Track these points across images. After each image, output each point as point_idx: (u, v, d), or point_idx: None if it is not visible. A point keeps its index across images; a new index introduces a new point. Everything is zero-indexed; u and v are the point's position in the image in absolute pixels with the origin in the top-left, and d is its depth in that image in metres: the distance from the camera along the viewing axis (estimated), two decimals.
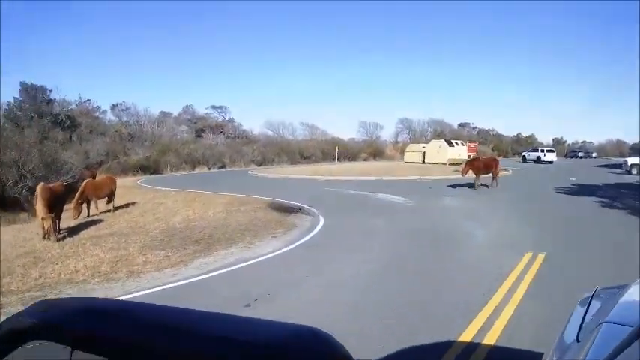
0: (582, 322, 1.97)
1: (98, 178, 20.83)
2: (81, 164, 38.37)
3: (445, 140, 48.37)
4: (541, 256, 9.08)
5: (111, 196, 19.18)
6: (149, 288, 7.97)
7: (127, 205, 20.02)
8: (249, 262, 9.52)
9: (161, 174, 44.29)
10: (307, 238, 11.83)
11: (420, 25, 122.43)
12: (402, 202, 18.29)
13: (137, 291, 7.82)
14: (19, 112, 45.33)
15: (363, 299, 6.86)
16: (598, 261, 8.86)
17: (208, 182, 29.54)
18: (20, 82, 47.24)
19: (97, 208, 18.30)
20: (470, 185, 22.03)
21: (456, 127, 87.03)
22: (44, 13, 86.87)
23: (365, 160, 61.90)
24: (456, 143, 43.98)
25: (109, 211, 18.80)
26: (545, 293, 6.83)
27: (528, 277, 7.74)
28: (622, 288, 2.23)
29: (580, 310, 2.19)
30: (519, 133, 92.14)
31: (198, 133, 67.60)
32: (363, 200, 19.12)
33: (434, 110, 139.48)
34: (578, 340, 1.79)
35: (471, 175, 22.31)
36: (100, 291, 7.93)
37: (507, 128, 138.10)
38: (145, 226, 14.41)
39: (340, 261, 9.34)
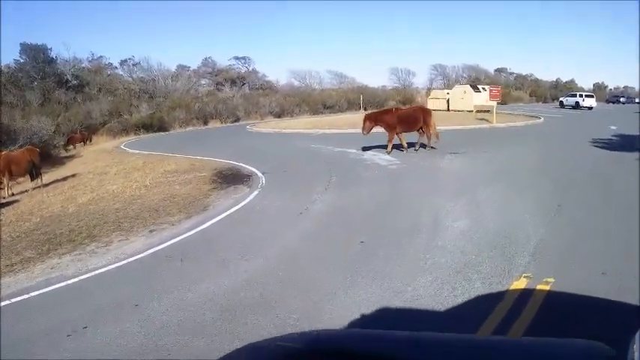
0: None
1: (16, 151, 17.36)
2: (79, 125, 35.83)
3: (470, 85, 42.55)
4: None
5: (34, 171, 15.85)
6: None
7: (65, 179, 16.93)
8: (46, 290, 5.97)
9: (167, 131, 41.25)
10: (198, 230, 8.22)
11: None
12: (385, 163, 14.16)
13: None
14: (20, 74, 42.50)
15: None
16: None
17: (192, 141, 26.15)
18: (20, 44, 44.27)
19: (8, 186, 14.99)
20: (490, 137, 17.42)
21: (492, 72, 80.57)
22: None
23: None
24: (483, 88, 37.96)
25: (39, 187, 15.69)
26: None
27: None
28: None
29: None
30: (558, 78, 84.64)
31: (218, 87, 64.33)
32: (340, 161, 15.08)
33: (470, 55, 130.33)
34: None
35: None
36: None
37: (546, 73, 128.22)
38: (40, 211, 11.54)
39: (196, 280, 5.61)
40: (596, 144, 16.14)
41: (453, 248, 6.23)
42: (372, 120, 15.99)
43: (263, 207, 9.57)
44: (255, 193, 10.91)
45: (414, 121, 15.97)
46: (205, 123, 46.58)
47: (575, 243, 6.30)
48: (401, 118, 15.93)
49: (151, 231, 8.37)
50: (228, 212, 9.24)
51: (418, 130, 16.09)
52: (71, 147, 30.42)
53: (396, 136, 16.03)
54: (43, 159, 23.25)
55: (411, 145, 16.32)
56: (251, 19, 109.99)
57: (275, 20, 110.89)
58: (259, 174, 13.37)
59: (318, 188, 10.78)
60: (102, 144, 31.42)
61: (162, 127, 42.47)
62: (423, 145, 16.23)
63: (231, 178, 13.20)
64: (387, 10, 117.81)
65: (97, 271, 6.61)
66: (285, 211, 9.02)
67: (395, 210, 8.60)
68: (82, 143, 31.62)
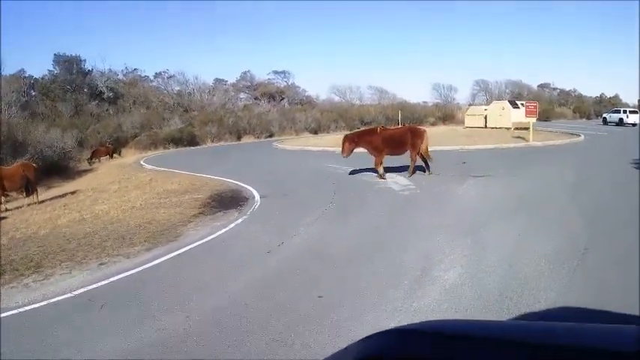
0: None
1: (10, 166, 16.77)
2: (108, 138, 35.65)
3: (509, 101, 40.50)
4: None
5: (29, 186, 15.25)
6: None
7: (64, 195, 16.26)
8: None
9: (199, 145, 40.79)
10: (149, 265, 7.11)
11: None
12: (399, 188, 12.76)
13: None
14: (52, 86, 42.99)
15: None
16: None
17: (213, 157, 25.41)
18: (54, 54, 44.95)
19: (1, 202, 14.47)
20: (523, 157, 15.55)
21: (535, 87, 78.37)
22: None
23: (432, 124, 54.70)
24: (522, 104, 35.89)
25: (35, 203, 15.08)
26: None
27: None
28: None
29: None
30: (602, 94, 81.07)
31: (256, 101, 63.98)
32: (351, 184, 13.83)
33: (512, 70, 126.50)
34: None
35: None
36: None
37: (590, 88, 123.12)
38: (16, 231, 10.62)
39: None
40: (637, 166, 14.22)
41: (431, 313, 4.81)
42: (352, 141, 14.33)
43: (236, 239, 8.35)
44: (239, 220, 9.74)
45: (400, 144, 14.36)
46: (239, 138, 45.84)
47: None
48: (385, 139, 14.28)
49: (100, 264, 7.29)
50: (194, 244, 8.09)
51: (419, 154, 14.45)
52: (95, 160, 30.06)
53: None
54: (58, 172, 22.97)
55: (419, 168, 14.79)
56: (293, 34, 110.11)
57: (317, 35, 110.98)
58: (257, 197, 12.28)
59: (309, 218, 9.48)
60: (127, 157, 31.05)
61: (192, 142, 42.00)
62: (422, 169, 14.68)
63: (225, 202, 12.13)
64: (430, 24, 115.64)
65: (9, 312, 5.60)
66: (256, 246, 7.73)
67: (382, 250, 7.18)
68: (108, 156, 31.28)
